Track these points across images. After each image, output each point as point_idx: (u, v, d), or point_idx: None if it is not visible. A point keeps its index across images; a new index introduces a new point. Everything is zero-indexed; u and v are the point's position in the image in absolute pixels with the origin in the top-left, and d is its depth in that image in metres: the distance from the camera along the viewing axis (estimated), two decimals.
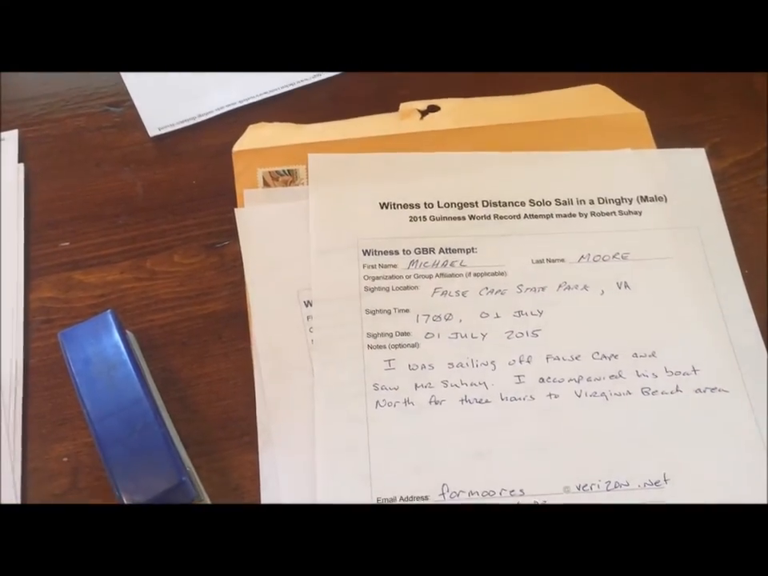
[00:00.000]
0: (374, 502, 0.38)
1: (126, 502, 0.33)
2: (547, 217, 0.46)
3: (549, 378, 0.42)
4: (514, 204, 0.46)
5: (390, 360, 0.42)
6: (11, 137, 0.49)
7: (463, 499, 0.39)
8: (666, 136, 0.49)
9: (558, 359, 0.42)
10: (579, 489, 0.39)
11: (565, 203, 0.46)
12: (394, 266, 0.44)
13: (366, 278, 0.44)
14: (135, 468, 0.34)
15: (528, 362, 0.42)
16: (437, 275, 0.44)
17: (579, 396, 0.41)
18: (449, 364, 0.42)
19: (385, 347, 0.42)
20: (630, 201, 0.46)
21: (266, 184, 0.46)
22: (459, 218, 0.46)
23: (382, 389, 0.41)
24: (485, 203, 0.46)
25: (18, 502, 0.38)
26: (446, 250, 0.45)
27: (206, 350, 0.43)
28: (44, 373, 0.42)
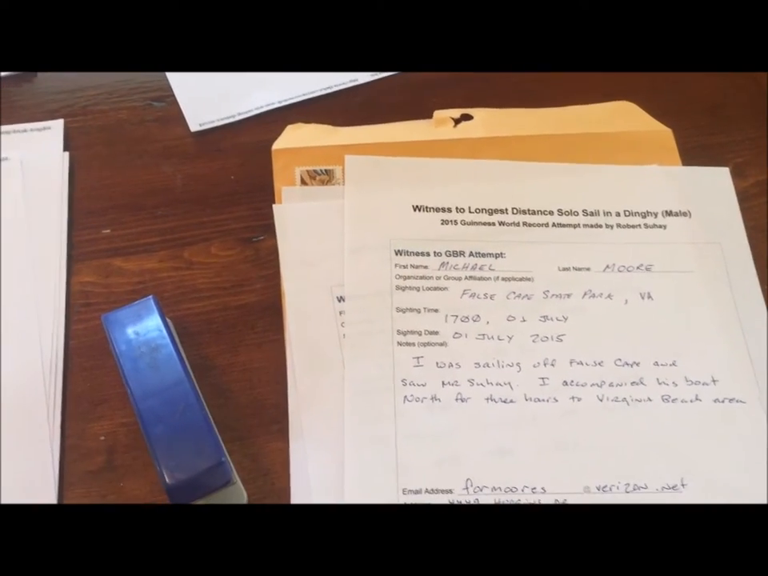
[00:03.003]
0: (400, 493, 0.40)
1: (167, 479, 0.34)
2: (574, 226, 0.47)
3: (572, 381, 0.43)
4: (543, 213, 0.48)
5: (418, 357, 0.43)
6: (57, 126, 0.50)
7: (486, 494, 0.40)
8: (692, 154, 0.51)
9: (582, 364, 0.43)
10: (599, 489, 0.40)
11: (592, 214, 0.48)
12: (425, 267, 0.45)
13: (397, 277, 0.45)
14: (177, 447, 0.35)
15: (552, 365, 0.43)
16: (466, 278, 0.45)
17: (601, 400, 0.42)
18: (475, 363, 0.43)
19: (414, 345, 0.43)
20: (655, 215, 0.48)
21: (303, 182, 0.48)
22: (489, 224, 0.47)
23: (410, 384, 0.42)
24: (514, 210, 0.48)
25: (56, 477, 0.40)
26: (476, 253, 0.46)
27: (239, 340, 0.44)
28: (83, 354, 0.43)
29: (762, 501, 0.40)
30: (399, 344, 0.43)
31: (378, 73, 0.54)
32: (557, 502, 0.40)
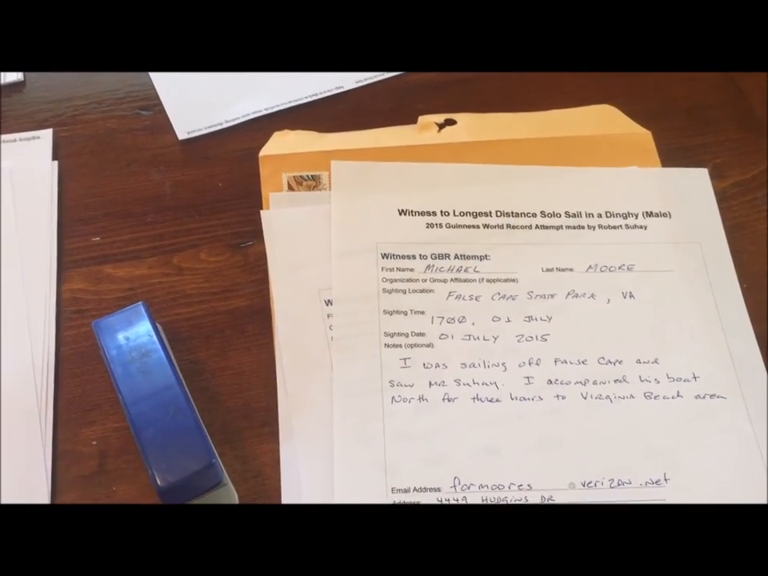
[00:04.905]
0: (389, 491, 0.40)
1: (158, 482, 0.35)
2: (557, 228, 0.48)
3: (556, 380, 0.44)
4: (526, 215, 0.49)
5: (405, 358, 0.44)
6: (46, 135, 0.51)
7: (473, 492, 0.41)
8: (671, 156, 0.52)
9: (566, 363, 0.44)
10: (584, 485, 0.41)
11: (574, 216, 0.49)
12: (411, 270, 0.46)
13: (384, 280, 0.46)
14: (168, 450, 0.35)
15: (537, 364, 0.44)
16: (451, 280, 0.46)
17: (585, 398, 0.43)
18: (462, 364, 0.44)
19: (401, 346, 0.44)
20: (636, 215, 0.49)
21: (290, 188, 0.49)
22: (474, 227, 0.48)
23: (397, 385, 0.43)
24: (498, 213, 0.48)
25: (48, 482, 0.40)
26: (461, 256, 0.47)
27: (229, 344, 0.45)
28: (74, 361, 0.44)
29: (740, 493, 0.41)
30: (386, 346, 0.44)
31: (362, 80, 0.54)
32: (543, 498, 0.41)
